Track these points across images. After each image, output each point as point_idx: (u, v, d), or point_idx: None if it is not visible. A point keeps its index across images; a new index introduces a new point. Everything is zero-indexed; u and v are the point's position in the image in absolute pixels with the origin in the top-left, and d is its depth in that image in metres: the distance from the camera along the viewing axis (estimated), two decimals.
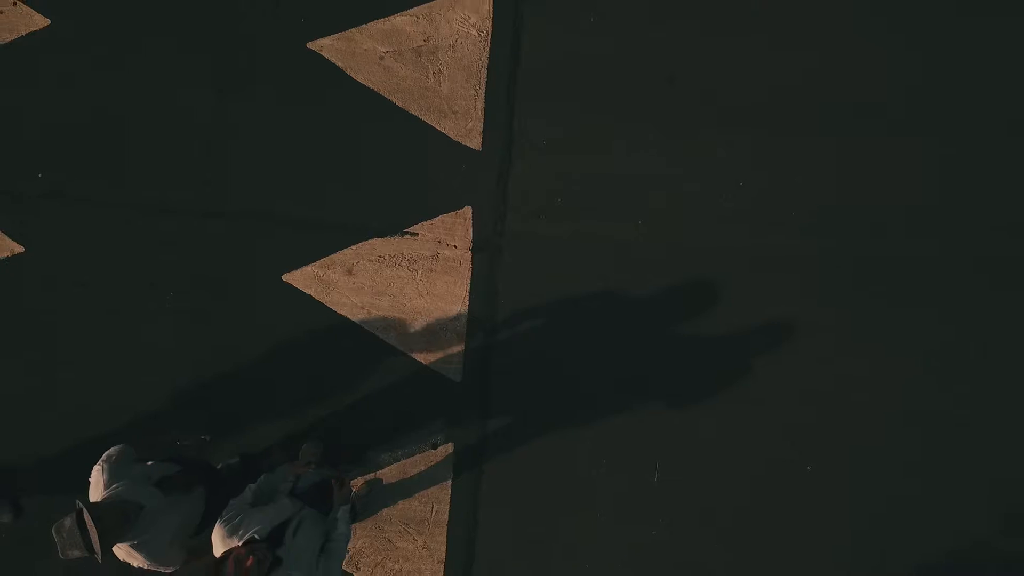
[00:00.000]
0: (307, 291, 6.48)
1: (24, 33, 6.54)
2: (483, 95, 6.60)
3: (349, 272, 6.50)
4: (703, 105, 6.57)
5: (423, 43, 6.62)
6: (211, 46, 6.52)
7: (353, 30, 6.60)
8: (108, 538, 4.53)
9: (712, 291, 6.48)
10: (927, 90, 6.58)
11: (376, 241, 6.52)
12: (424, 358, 6.48)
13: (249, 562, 4.43)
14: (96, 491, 4.80)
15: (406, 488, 6.43)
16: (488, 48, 6.63)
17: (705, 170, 6.54)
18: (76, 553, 4.49)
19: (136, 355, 6.40)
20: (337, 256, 6.51)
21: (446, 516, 6.44)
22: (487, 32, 6.63)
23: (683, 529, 6.45)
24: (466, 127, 6.59)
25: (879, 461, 6.45)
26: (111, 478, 4.79)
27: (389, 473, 6.44)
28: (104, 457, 4.94)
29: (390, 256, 6.53)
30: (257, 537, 4.60)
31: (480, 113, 6.59)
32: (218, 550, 4.59)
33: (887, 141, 6.54)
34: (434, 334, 6.49)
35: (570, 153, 6.57)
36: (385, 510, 6.43)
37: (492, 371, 6.48)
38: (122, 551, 4.76)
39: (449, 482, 6.45)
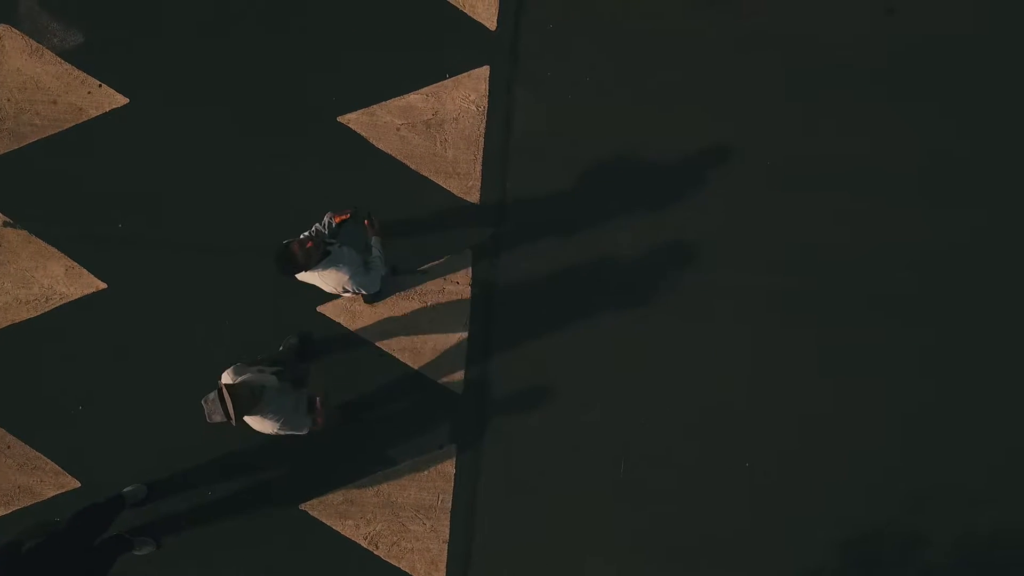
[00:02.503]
0: (338, 320, 7.92)
1: (108, 110, 8.04)
2: (481, 159, 8.06)
3: (372, 304, 7.94)
4: (677, 172, 8.00)
5: (432, 117, 8.09)
6: (262, 125, 7.98)
7: (375, 106, 8.08)
8: (240, 408, 6.19)
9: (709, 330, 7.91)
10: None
11: (391, 278, 7.96)
12: (433, 374, 7.90)
13: (309, 244, 6.37)
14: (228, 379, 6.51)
15: (418, 480, 7.84)
16: (485, 121, 8.09)
17: (685, 229, 7.99)
18: (218, 418, 6.15)
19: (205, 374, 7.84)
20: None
21: (450, 504, 7.84)
22: (484, 108, 8.10)
23: (674, 519, 7.80)
24: (467, 185, 8.05)
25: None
26: (237, 374, 6.49)
27: (402, 469, 7.85)
28: (231, 368, 6.58)
29: (405, 290, 7.97)
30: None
31: (479, 174, 8.05)
32: None
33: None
34: (440, 354, 7.92)
35: (555, 206, 8.00)
36: (399, 498, 7.83)
37: (490, 385, 7.90)
38: (255, 421, 6.45)
39: (453, 476, 7.85)
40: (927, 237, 7.90)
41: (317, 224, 6.94)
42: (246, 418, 6.42)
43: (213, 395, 6.17)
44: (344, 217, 6.96)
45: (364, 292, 6.97)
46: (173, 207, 7.95)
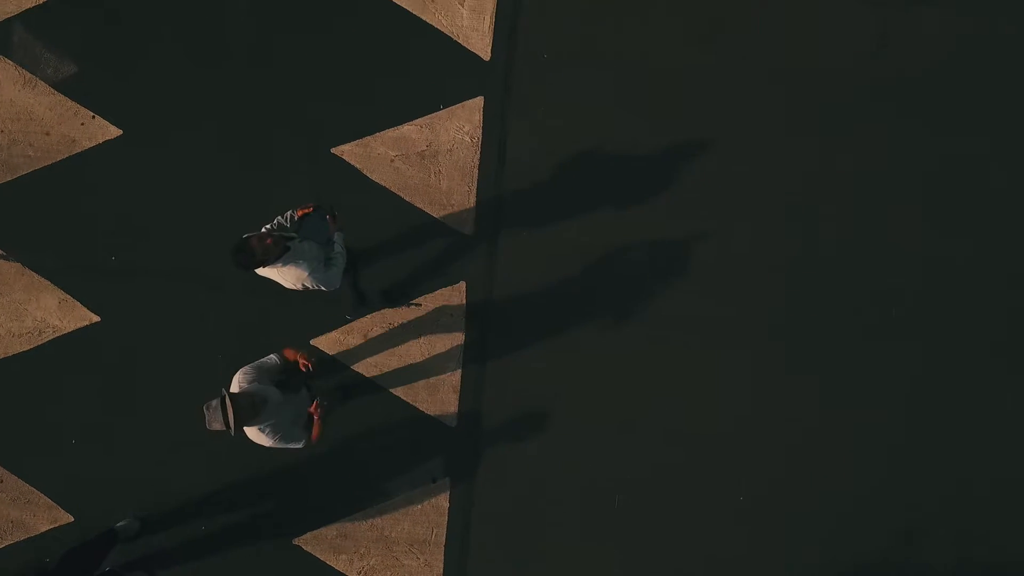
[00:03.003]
0: (331, 352, 7.91)
1: (101, 141, 8.03)
2: (475, 191, 8.05)
3: (365, 337, 7.93)
4: (675, 202, 7.99)
5: (426, 148, 8.08)
6: (256, 156, 7.97)
7: (369, 137, 8.07)
8: (240, 419, 6.13)
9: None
10: None
11: (387, 311, 7.95)
12: (426, 407, 7.90)
13: (268, 240, 6.21)
14: (235, 387, 6.46)
15: (411, 514, 7.84)
16: (479, 152, 8.08)
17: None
18: (217, 427, 6.09)
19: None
20: (356, 324, 7.94)
21: (444, 538, 7.84)
22: (478, 139, 8.09)
23: (669, 551, 7.79)
24: (461, 217, 8.04)
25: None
26: (243, 382, 6.45)
27: (396, 502, 7.85)
28: (238, 373, 6.53)
29: (399, 323, 7.96)
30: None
31: (473, 205, 8.04)
32: None
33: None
34: (433, 387, 7.91)
35: (550, 237, 7.99)
36: (393, 532, 7.83)
37: (483, 419, 7.89)
38: (253, 432, 6.39)
39: (446, 509, 7.85)
40: (924, 264, 7.90)
41: (279, 217, 6.80)
42: (244, 428, 6.37)
43: (215, 402, 6.12)
44: (306, 211, 6.80)
45: (324, 288, 6.81)
46: (167, 239, 7.95)
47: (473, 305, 7.97)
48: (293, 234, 6.68)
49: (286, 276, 6.58)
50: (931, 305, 7.87)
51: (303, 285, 6.66)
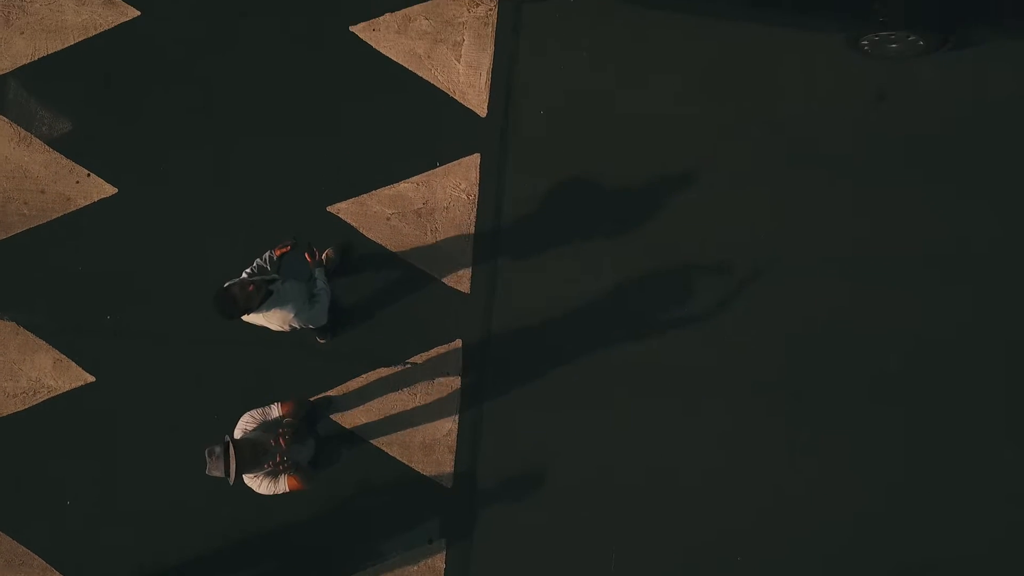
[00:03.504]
0: (329, 414, 7.89)
1: (96, 199, 8.01)
2: (472, 248, 8.02)
3: (360, 396, 7.92)
4: (673, 258, 7.97)
5: (422, 206, 8.05)
6: (252, 215, 7.96)
7: (365, 195, 8.04)
8: (241, 467, 6.14)
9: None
10: None
11: (383, 370, 7.94)
12: (422, 467, 7.88)
13: (250, 287, 6.23)
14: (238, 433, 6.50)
15: None
16: (476, 209, 8.05)
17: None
18: (217, 474, 6.10)
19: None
20: (352, 382, 7.93)
21: None
22: (475, 196, 8.06)
23: None
24: (457, 275, 8.01)
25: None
26: (246, 427, 6.50)
27: (392, 563, 7.84)
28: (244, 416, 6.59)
29: (394, 382, 7.94)
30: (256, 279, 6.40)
31: (469, 263, 8.01)
32: None
33: None
34: (429, 447, 7.90)
35: (547, 295, 7.97)
36: None
37: (479, 479, 7.87)
38: (249, 479, 6.37)
39: (443, 571, 7.83)
40: (916, 323, 7.88)
41: (258, 259, 6.79)
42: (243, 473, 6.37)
43: (218, 449, 6.12)
44: (284, 250, 6.78)
45: (311, 326, 6.84)
46: (162, 298, 7.93)
47: (469, 364, 7.95)
48: (275, 276, 6.66)
49: (271, 320, 6.59)
50: (922, 369, 7.86)
51: (290, 326, 6.67)
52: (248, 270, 6.71)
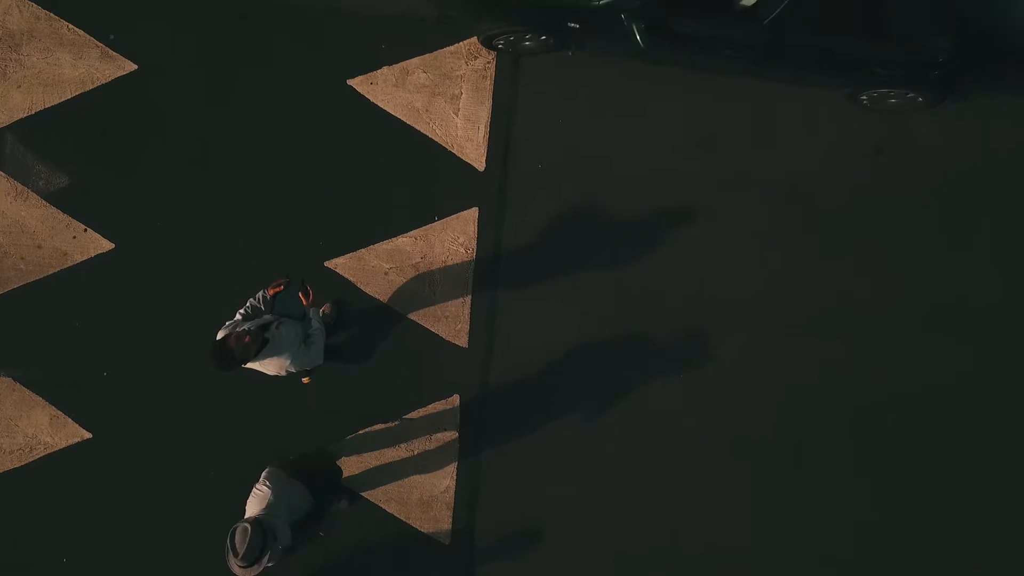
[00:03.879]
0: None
1: (93, 255, 7.98)
2: (470, 302, 8.00)
3: (358, 452, 7.89)
4: (671, 318, 7.95)
5: (420, 260, 8.03)
6: (248, 271, 7.91)
7: (363, 250, 8.01)
8: (248, 555, 6.08)
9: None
10: None
11: (380, 426, 7.91)
12: (419, 524, 7.86)
13: (246, 339, 6.16)
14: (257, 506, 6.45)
15: None
16: (474, 263, 8.03)
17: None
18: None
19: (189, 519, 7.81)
20: (348, 440, 7.90)
21: None
22: (473, 249, 8.04)
23: None
24: (455, 329, 7.99)
25: None
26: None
27: None
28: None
29: (391, 437, 7.92)
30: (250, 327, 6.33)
31: (467, 317, 7.99)
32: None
33: None
34: (427, 504, 7.88)
35: (545, 349, 7.95)
36: None
37: (477, 536, 7.85)
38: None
39: None
40: (915, 378, 7.89)
41: (252, 299, 6.77)
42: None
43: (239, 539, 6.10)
44: (278, 289, 6.75)
45: (307, 368, 6.79)
46: (159, 355, 7.90)
47: (467, 419, 7.93)
48: (269, 318, 6.62)
49: (268, 367, 6.57)
50: (920, 426, 7.84)
51: (286, 371, 6.63)
52: (242, 311, 6.70)
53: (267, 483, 6.56)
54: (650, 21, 6.87)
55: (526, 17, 7.30)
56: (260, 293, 6.80)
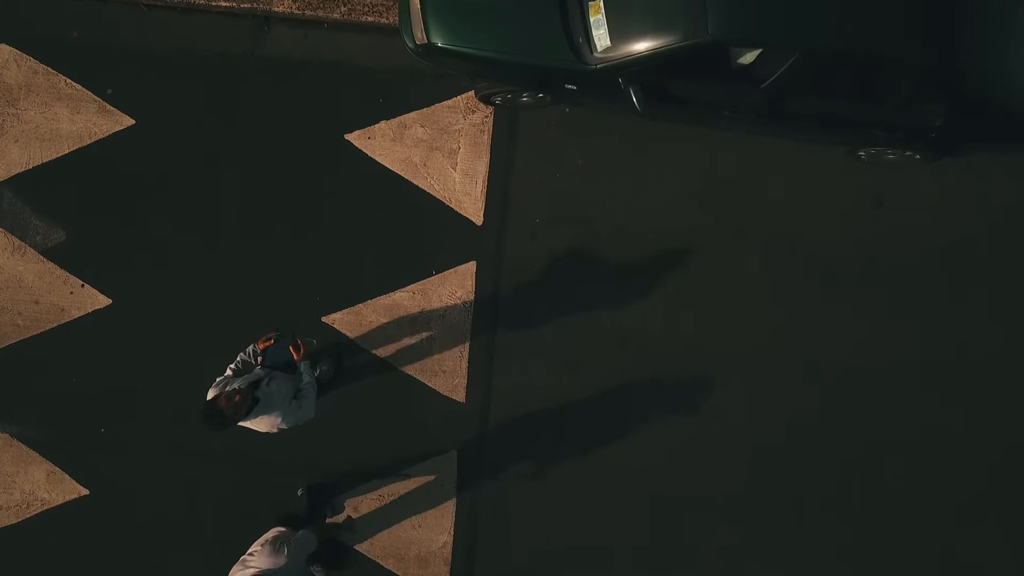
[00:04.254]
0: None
1: (90, 310, 7.97)
2: (467, 357, 7.99)
3: (355, 510, 7.88)
4: (669, 373, 7.93)
5: (418, 314, 8.02)
6: (246, 327, 7.89)
7: (360, 305, 8.01)
8: None
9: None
10: None
11: (375, 482, 7.90)
12: None
13: (237, 398, 6.11)
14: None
15: None
16: (472, 317, 8.02)
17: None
18: None
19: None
20: (346, 494, 7.89)
21: None
22: (471, 303, 8.03)
23: None
24: (452, 384, 7.98)
25: None
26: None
27: None
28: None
29: (388, 495, 7.91)
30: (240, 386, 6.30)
31: (464, 372, 7.98)
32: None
33: None
34: (424, 560, 7.87)
35: (542, 403, 7.94)
36: None
37: None
38: None
39: None
40: (915, 429, 7.88)
41: (242, 353, 6.77)
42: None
43: None
44: (268, 343, 6.74)
45: (299, 424, 6.76)
46: (156, 412, 7.91)
47: (464, 474, 7.93)
48: (260, 373, 6.58)
49: (259, 425, 6.55)
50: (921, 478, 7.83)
51: (278, 428, 6.62)
52: (232, 366, 6.70)
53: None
54: (647, 84, 6.84)
55: (523, 80, 7.28)
56: (250, 347, 6.79)
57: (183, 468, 7.89)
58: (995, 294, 7.94)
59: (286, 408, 6.58)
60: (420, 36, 7.19)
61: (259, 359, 6.72)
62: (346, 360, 7.92)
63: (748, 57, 6.96)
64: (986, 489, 7.84)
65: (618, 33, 6.72)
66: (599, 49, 6.82)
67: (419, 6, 7.10)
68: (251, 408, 6.36)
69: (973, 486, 7.84)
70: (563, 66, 6.93)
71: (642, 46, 6.67)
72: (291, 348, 6.76)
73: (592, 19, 6.79)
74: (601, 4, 6.75)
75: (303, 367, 6.82)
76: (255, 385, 6.48)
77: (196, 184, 8.02)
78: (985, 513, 7.83)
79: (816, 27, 6.48)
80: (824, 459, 7.87)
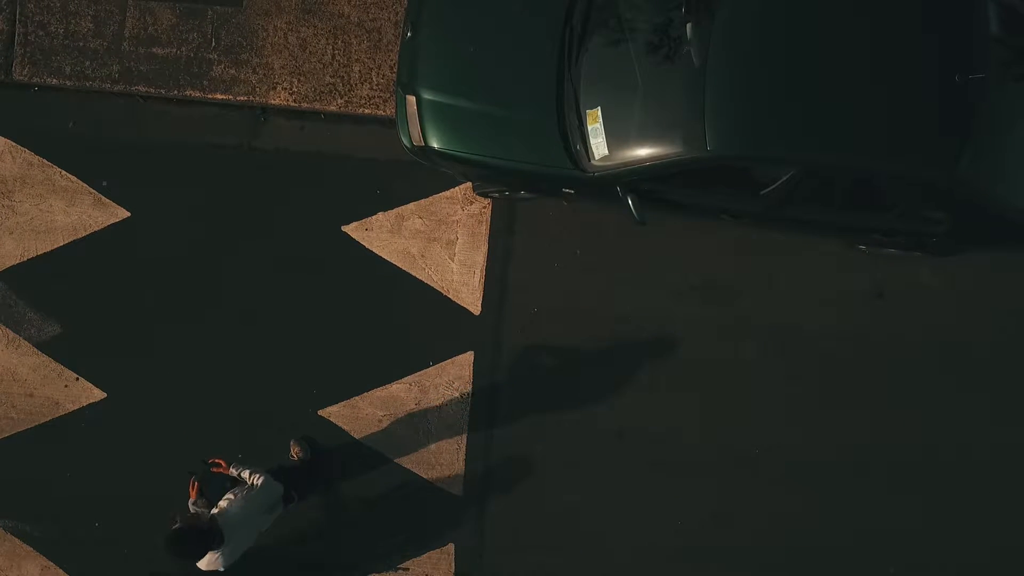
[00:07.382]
0: None
1: (85, 404, 7.93)
2: (465, 449, 7.94)
3: None
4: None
5: (415, 406, 7.97)
6: (242, 421, 7.89)
7: (356, 398, 7.96)
8: None
9: None
10: None
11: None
12: None
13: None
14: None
15: None
16: (469, 409, 7.97)
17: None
18: None
19: None
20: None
21: None
22: (468, 395, 7.98)
23: None
24: (450, 477, 7.93)
25: None
26: None
27: None
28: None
29: None
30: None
31: (462, 464, 7.93)
32: None
33: None
34: None
35: (541, 496, 7.89)
36: None
37: None
38: None
39: None
40: (917, 528, 7.82)
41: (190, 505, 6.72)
42: None
43: None
44: (195, 490, 6.71)
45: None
46: (151, 507, 7.81)
47: (462, 569, 7.89)
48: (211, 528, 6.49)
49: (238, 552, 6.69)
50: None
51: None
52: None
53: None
54: (645, 192, 6.79)
55: (520, 184, 7.24)
56: (190, 505, 6.73)
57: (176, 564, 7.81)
58: (998, 388, 7.86)
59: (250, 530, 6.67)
60: (417, 138, 7.15)
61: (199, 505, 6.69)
62: (340, 456, 7.85)
63: None
64: None
65: (616, 142, 6.67)
66: (596, 157, 6.76)
67: (416, 110, 7.05)
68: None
69: None
70: (560, 173, 6.89)
71: (640, 156, 6.62)
72: (190, 481, 6.69)
73: (590, 127, 6.74)
74: (599, 113, 6.69)
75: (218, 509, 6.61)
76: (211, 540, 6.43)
77: (191, 276, 7.98)
78: None
79: (816, 145, 6.42)
80: (824, 553, 7.81)
